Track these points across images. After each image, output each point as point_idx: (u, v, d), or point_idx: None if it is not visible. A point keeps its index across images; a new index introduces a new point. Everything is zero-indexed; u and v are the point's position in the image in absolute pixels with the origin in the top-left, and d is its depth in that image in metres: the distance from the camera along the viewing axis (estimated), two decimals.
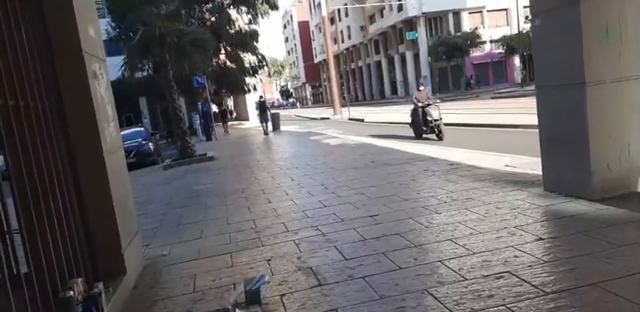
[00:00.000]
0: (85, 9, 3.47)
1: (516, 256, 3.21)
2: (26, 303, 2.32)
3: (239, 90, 25.74)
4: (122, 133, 15.51)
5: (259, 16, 22.39)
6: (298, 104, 73.92)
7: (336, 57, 59.84)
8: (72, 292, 2.55)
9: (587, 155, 4.15)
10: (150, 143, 16.19)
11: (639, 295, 2.47)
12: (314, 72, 75.83)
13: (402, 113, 23.44)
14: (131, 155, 15.05)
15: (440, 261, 3.31)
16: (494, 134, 11.37)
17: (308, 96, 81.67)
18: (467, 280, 2.94)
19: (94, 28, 3.69)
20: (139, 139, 15.89)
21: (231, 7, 20.63)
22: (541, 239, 3.50)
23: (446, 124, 14.96)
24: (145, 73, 17.36)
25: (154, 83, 18.05)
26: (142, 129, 18.29)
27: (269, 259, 3.87)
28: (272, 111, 23.85)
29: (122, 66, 14.05)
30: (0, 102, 2.56)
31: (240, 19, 22.33)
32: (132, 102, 30.15)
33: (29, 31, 2.92)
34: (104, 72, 3.76)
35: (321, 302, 2.92)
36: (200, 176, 10.06)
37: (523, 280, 2.83)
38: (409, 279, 3.08)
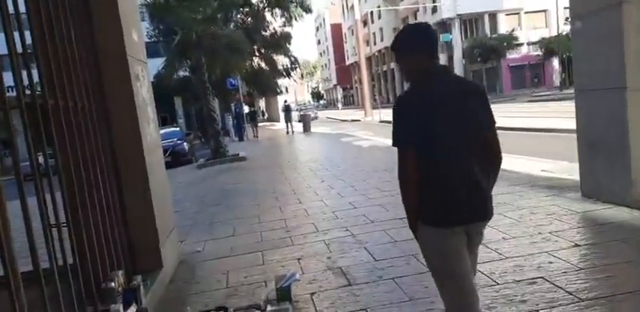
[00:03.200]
0: (129, 13, 3.64)
1: (551, 262, 3.15)
2: (71, 292, 2.46)
3: (271, 91, 26.03)
4: (160, 132, 15.80)
5: (293, 18, 22.59)
6: (340, 105, 72.62)
7: (368, 59, 59.65)
8: (113, 284, 2.68)
9: (627, 162, 4.02)
10: (185, 143, 16.60)
11: None
12: (345, 74, 75.79)
13: None
14: (167, 154, 15.44)
15: None
16: (531, 138, 11.10)
17: (339, 98, 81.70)
18: (498, 284, 2.92)
19: (137, 31, 3.86)
20: (175, 139, 16.30)
21: (267, 10, 20.91)
22: (577, 246, 3.42)
23: None
24: (180, 75, 17.82)
25: (189, 84, 18.50)
26: (178, 129, 18.77)
27: (299, 258, 3.94)
28: (302, 112, 25.02)
29: (163, 68, 14.51)
30: (51, 101, 2.73)
31: (274, 21, 22.61)
32: (167, 102, 30.89)
33: (78, 33, 3.09)
34: (146, 74, 3.92)
35: (351, 302, 2.95)
36: (232, 176, 10.26)
37: (557, 286, 2.78)
38: None
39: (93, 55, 3.30)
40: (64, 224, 2.74)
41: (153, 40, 19.60)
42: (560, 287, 2.75)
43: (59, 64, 2.79)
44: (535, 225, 3.98)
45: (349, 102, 73.65)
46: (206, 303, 3.17)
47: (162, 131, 17.12)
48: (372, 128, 21.48)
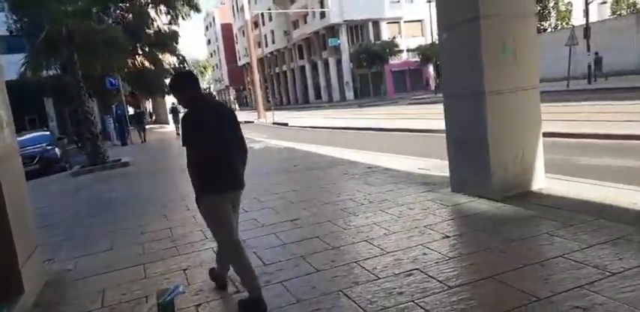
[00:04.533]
0: None
1: (425, 254, 3.41)
2: None
3: (157, 92, 24.62)
4: (24, 137, 14.15)
5: (180, 17, 21.66)
6: (236, 106, 69.82)
7: (260, 61, 59.52)
8: None
9: (487, 158, 4.53)
10: (56, 148, 14.92)
11: (530, 285, 2.74)
12: (238, 75, 74.76)
13: (324, 118, 23.92)
14: (34, 161, 13.79)
15: (356, 261, 3.42)
16: (411, 138, 11.98)
17: (232, 99, 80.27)
18: (380, 279, 3.08)
19: None
20: (44, 144, 14.58)
21: (150, 6, 19.74)
22: (447, 237, 3.76)
23: (366, 129, 15.55)
24: (51, 73, 16.02)
25: (61, 84, 16.73)
26: (48, 133, 16.82)
27: (185, 269, 3.76)
28: None
29: (23, 64, 12.88)
30: None
31: (159, 19, 21.43)
32: (36, 103, 27.68)
33: None
34: None
35: (238, 310, 2.89)
36: (113, 183, 9.48)
37: (430, 276, 3.02)
38: (326, 281, 3.15)
39: None
40: None
41: (14, 32, 17.44)
42: (433, 277, 2.99)
43: None
44: (412, 220, 4.29)
45: (243, 103, 72.90)
46: None
47: (29, 136, 15.53)
48: (264, 130, 21.46)
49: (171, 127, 27.72)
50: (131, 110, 30.92)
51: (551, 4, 38.30)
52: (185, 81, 3.02)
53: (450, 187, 5.20)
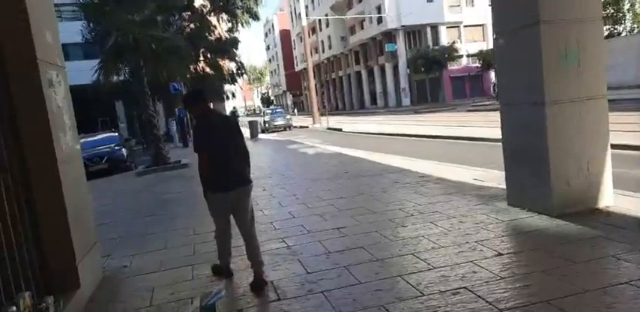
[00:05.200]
0: (41, 13, 3.39)
1: (474, 272, 3.24)
2: None
3: (217, 97, 25.51)
4: (95, 138, 15.16)
5: (240, 24, 22.36)
6: (296, 111, 69.50)
7: (317, 66, 60.12)
8: (14, 307, 2.45)
9: (547, 172, 4.25)
10: (123, 149, 15.85)
11: None
12: (295, 80, 76.03)
13: (379, 124, 23.68)
14: (103, 161, 14.74)
15: (400, 276, 3.32)
16: (468, 147, 11.56)
17: (289, 104, 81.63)
18: (424, 295, 2.95)
19: (52, 33, 3.60)
20: (112, 145, 15.54)
21: (212, 14, 20.56)
22: (500, 255, 3.55)
23: (421, 136, 15.21)
24: (122, 78, 17.08)
25: (130, 88, 17.79)
26: (116, 134, 17.90)
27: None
28: (250, 119, 25.15)
29: (96, 71, 13.82)
30: None
31: (219, 26, 22.26)
32: (108, 106, 29.60)
33: None
34: (62, 79, 3.67)
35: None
36: (172, 184, 9.90)
37: (478, 296, 2.85)
38: (368, 294, 3.07)
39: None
40: None
41: (88, 40, 18.76)
42: (482, 297, 2.83)
43: None
44: (463, 234, 4.10)
45: (299, 108, 73.87)
46: None
47: (98, 137, 16.57)
48: (318, 135, 21.59)
49: None
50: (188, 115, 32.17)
51: (627, 7, 35.71)
52: (196, 97, 3.68)
53: (507, 201, 4.94)
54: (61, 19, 26.57)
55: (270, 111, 32.38)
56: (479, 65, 41.69)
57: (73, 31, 18.18)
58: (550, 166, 4.24)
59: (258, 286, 3.39)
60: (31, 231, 3.10)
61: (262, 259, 3.59)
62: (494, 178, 6.27)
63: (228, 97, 27.67)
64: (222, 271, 3.75)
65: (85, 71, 16.04)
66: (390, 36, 46.13)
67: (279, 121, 29.00)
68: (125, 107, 31.46)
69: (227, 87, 26.46)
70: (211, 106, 3.71)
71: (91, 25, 16.31)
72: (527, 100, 4.34)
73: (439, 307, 2.77)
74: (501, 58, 4.74)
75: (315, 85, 36.21)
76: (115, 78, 15.96)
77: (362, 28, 51.19)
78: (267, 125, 28.82)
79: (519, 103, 4.47)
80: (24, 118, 3.13)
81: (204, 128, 3.52)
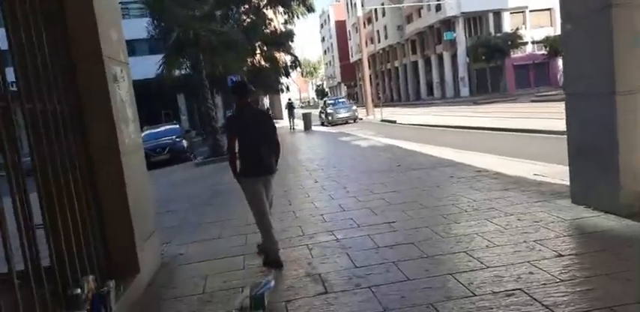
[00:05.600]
0: (106, 12, 3.57)
1: (531, 273, 3.08)
2: (43, 297, 2.42)
3: (272, 90, 25.93)
4: (157, 130, 16.00)
5: (295, 16, 22.47)
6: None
7: (372, 57, 59.39)
8: (79, 290, 2.63)
9: (616, 168, 3.93)
10: (184, 140, 16.58)
11: None
12: (350, 71, 75.58)
13: (435, 115, 23.04)
14: (165, 152, 15.50)
15: (451, 274, 3.22)
16: (530, 140, 10.99)
17: (343, 95, 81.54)
18: (476, 295, 2.85)
19: (117, 31, 3.79)
20: (173, 136, 16.30)
21: (268, 7, 20.80)
22: (560, 255, 3.34)
23: (479, 128, 14.63)
24: (183, 72, 17.79)
25: (191, 81, 18.50)
26: (177, 126, 18.75)
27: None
28: (305, 111, 25.39)
29: (160, 65, 14.48)
30: (29, 106, 2.70)
31: (275, 19, 22.49)
32: (171, 99, 30.98)
33: (52, 35, 3.03)
34: (126, 75, 3.86)
35: (324, 311, 2.90)
36: (227, 174, 10.14)
37: (534, 299, 2.71)
38: (416, 291, 3.01)
39: (68, 57, 3.24)
40: (38, 226, 2.71)
41: (153, 36, 19.65)
42: (538, 300, 2.68)
43: (35, 67, 2.76)
44: (521, 233, 3.90)
45: (353, 99, 73.52)
46: (179, 309, 3.13)
47: (161, 129, 17.39)
48: (372, 127, 21.39)
49: (285, 122, 29.05)
50: None
51: None
52: (243, 89, 4.10)
53: (570, 198, 4.63)
54: (129, 16, 27.99)
55: (332, 101, 28.60)
56: (545, 52, 39.31)
57: (140, 27, 19.13)
58: (620, 161, 3.92)
59: (274, 259, 3.83)
60: (96, 218, 3.31)
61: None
62: (557, 173, 5.92)
63: (283, 90, 28.02)
64: (277, 263, 3.80)
65: (150, 66, 16.89)
66: (448, 24, 44.56)
67: (344, 113, 25.66)
68: (186, 100, 32.79)
69: (282, 80, 26.80)
70: (249, 100, 4.10)
71: (155, 21, 17.08)
72: (596, 90, 4.02)
73: (491, 308, 2.66)
74: (568, 44, 4.41)
75: (370, 76, 35.76)
76: (177, 72, 16.67)
77: (419, 16, 49.82)
78: (329, 118, 25.62)
79: (587, 93, 4.16)
80: (90, 113, 3.33)
81: (239, 117, 4.03)
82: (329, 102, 28.25)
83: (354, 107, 26.81)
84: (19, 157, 2.52)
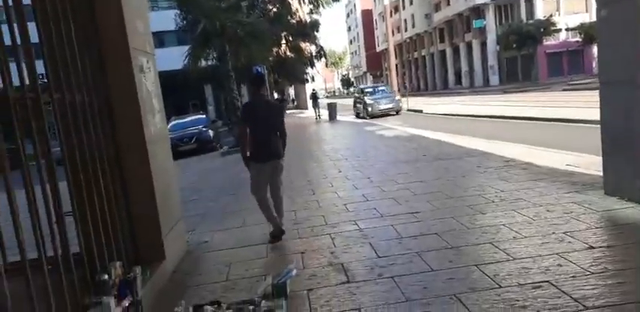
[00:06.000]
0: (133, 3, 3.61)
1: (560, 265, 2.99)
2: (71, 282, 2.50)
3: (297, 80, 25.93)
4: (186, 119, 16.28)
5: (321, 6, 22.30)
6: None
7: (399, 46, 58.46)
8: (106, 276, 2.70)
9: None
10: (210, 130, 16.79)
11: None
12: (376, 61, 74.76)
13: (463, 105, 22.56)
14: (192, 141, 15.76)
15: (476, 265, 3.16)
16: (562, 129, 10.64)
17: (369, 85, 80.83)
18: (501, 287, 2.79)
19: (144, 22, 3.83)
20: (200, 126, 16.52)
21: None
22: (592, 248, 3.23)
23: (508, 118, 14.26)
24: (209, 62, 17.97)
25: (217, 72, 18.68)
26: (204, 116, 18.99)
27: (303, 252, 3.90)
28: (330, 101, 25.16)
29: (186, 56, 14.63)
30: (57, 95, 2.76)
31: (300, 9, 22.39)
32: (198, 89, 31.40)
33: (81, 26, 3.08)
34: (152, 66, 3.91)
35: (346, 300, 2.89)
36: None
37: (563, 291, 2.63)
38: (439, 282, 2.97)
39: (96, 48, 3.30)
40: (68, 214, 2.79)
41: (181, 27, 19.88)
42: (566, 293, 2.61)
43: (64, 58, 2.81)
44: (550, 224, 3.79)
45: None
46: (203, 296, 3.18)
47: (188, 119, 17.65)
48: (398, 117, 21.12)
49: (310, 112, 29.06)
50: (275, 96, 32.98)
51: None
52: (257, 81, 4.72)
53: (603, 189, 4.47)
54: (157, 8, 28.37)
55: (370, 89, 23.97)
56: (579, 39, 37.84)
57: (168, 19, 19.36)
58: None
59: (278, 232, 4.26)
60: (124, 205, 3.38)
61: (283, 211, 4.53)
62: (591, 164, 5.71)
63: (308, 80, 27.99)
64: (278, 232, 4.31)
65: (178, 57, 17.11)
66: (478, 11, 43.38)
67: (386, 104, 21.42)
68: (213, 90, 33.17)
69: (307, 70, 26.75)
70: (261, 92, 4.52)
71: (183, 13, 17.26)
72: (632, 77, 3.83)
73: (517, 300, 2.60)
74: (602, 31, 4.21)
75: (397, 65, 35.22)
76: (204, 63, 16.85)
77: (448, 4, 48.65)
78: (368, 109, 21.32)
79: (620, 81, 3.97)
80: (117, 103, 3.39)
81: (252, 106, 4.47)
82: (367, 90, 23.81)
83: (398, 97, 23.01)
84: (48, 148, 2.59)
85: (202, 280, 3.54)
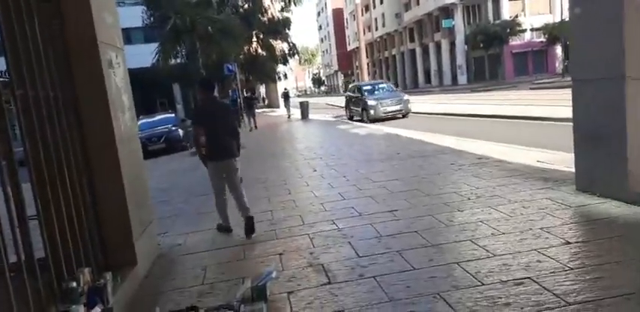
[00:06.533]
0: None
1: (539, 261, 3.01)
2: (27, 292, 2.33)
3: (269, 78, 25.72)
4: (153, 119, 15.78)
5: (292, 3, 22.16)
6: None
7: (370, 45, 58.89)
8: (74, 283, 2.54)
9: (624, 154, 3.85)
10: (179, 129, 16.40)
11: None
12: (347, 60, 75.04)
13: (433, 103, 22.89)
14: (161, 141, 15.35)
15: (457, 263, 3.15)
16: (530, 127, 10.89)
17: (340, 84, 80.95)
18: (484, 285, 2.78)
19: (112, 15, 3.65)
20: (169, 125, 16.11)
21: None
22: (568, 243, 3.28)
23: (477, 116, 14.53)
24: (178, 60, 17.55)
25: (186, 70, 18.27)
26: (172, 115, 18.52)
27: (281, 253, 3.80)
28: (302, 99, 25.28)
29: (156, 54, 14.24)
30: (20, 92, 2.57)
31: (272, 6, 22.19)
32: (166, 88, 30.68)
33: (45, 19, 2.89)
34: (121, 61, 3.73)
35: (328, 302, 2.82)
36: None
37: (544, 288, 2.64)
38: (422, 281, 2.94)
39: (61, 42, 3.11)
40: (32, 217, 2.61)
41: (148, 24, 19.35)
42: (548, 289, 2.62)
43: (27, 53, 2.62)
44: (526, 220, 3.83)
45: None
46: (179, 301, 3.05)
47: (156, 118, 17.20)
48: None
49: (282, 111, 28.92)
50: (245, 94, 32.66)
51: None
52: (207, 85, 4.83)
53: (575, 185, 4.56)
54: (123, 4, 27.52)
55: (368, 87, 18.56)
56: (543, 40, 39.04)
57: (134, 15, 18.80)
58: (628, 148, 3.84)
59: (250, 229, 4.35)
60: (91, 208, 3.21)
61: (248, 206, 4.53)
62: (562, 160, 5.84)
63: (280, 78, 27.83)
64: (226, 228, 4.63)
65: (145, 54, 16.63)
66: (447, 11, 44.13)
67: (393, 105, 16.71)
68: (182, 89, 32.49)
69: (280, 68, 26.61)
70: (212, 94, 4.80)
71: (151, 9, 16.80)
72: (605, 74, 3.91)
73: (500, 297, 2.59)
74: (577, 27, 4.28)
75: (368, 64, 35.41)
76: (173, 61, 16.45)
77: (417, 3, 49.28)
78: (371, 112, 16.59)
79: (595, 78, 4.04)
80: (84, 99, 3.21)
81: (203, 109, 4.66)
82: (365, 88, 18.38)
83: (406, 97, 17.48)
84: (10, 146, 2.41)
85: (177, 284, 3.40)
